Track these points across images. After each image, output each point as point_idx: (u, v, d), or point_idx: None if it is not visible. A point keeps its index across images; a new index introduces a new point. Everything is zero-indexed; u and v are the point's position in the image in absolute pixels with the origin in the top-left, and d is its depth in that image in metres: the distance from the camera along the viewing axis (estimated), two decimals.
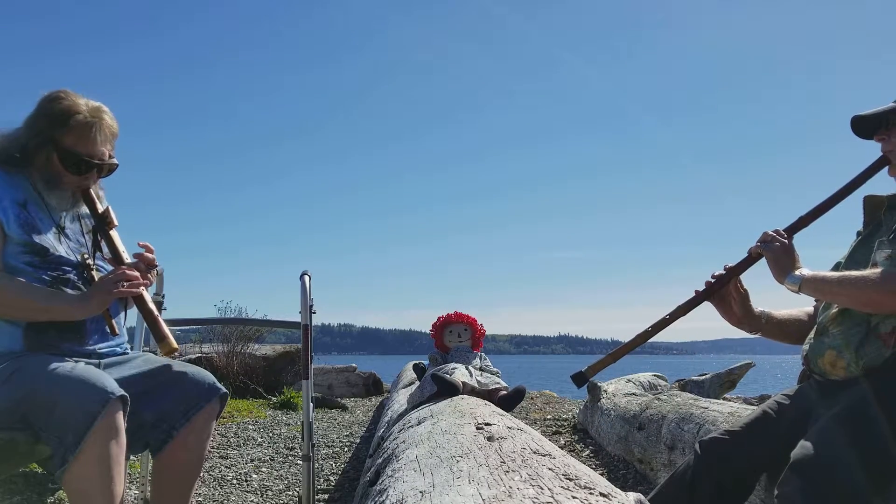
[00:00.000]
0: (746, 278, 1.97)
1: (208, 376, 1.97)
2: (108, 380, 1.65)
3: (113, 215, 1.97)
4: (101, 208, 1.97)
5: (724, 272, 1.97)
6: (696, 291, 1.98)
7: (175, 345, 1.84)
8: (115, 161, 1.97)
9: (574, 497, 0.90)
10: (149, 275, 1.95)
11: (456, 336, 2.87)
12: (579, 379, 1.95)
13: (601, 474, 2.46)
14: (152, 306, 1.89)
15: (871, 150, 1.83)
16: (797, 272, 1.79)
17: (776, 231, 1.89)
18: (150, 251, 1.99)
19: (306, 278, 2.64)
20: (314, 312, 2.65)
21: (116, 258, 1.95)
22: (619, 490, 1.00)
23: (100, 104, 1.92)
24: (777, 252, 1.84)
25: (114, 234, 1.97)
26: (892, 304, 1.59)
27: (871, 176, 1.84)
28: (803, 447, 1.52)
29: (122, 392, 1.63)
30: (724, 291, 1.98)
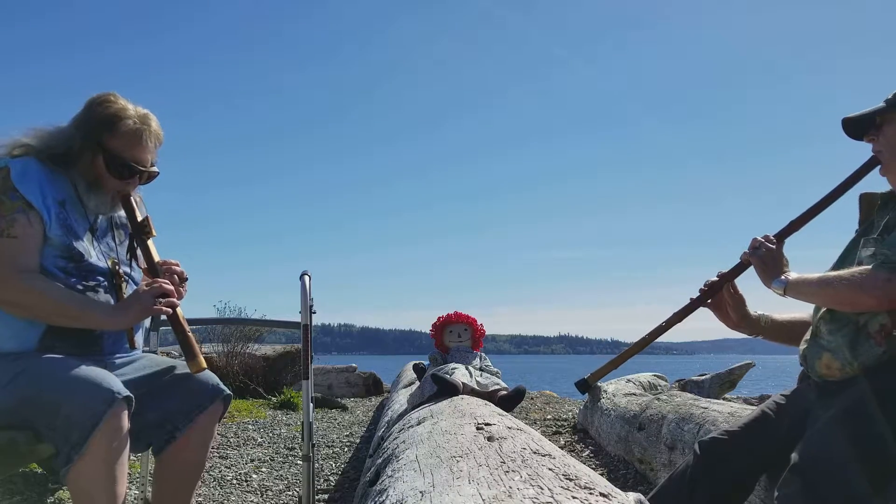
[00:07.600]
0: (752, 282, 1.97)
1: (212, 377, 1.95)
2: (115, 380, 1.65)
3: (152, 224, 1.95)
4: (139, 216, 1.95)
5: (716, 279, 1.99)
6: (691, 299, 2.00)
7: (204, 364, 1.82)
8: (156, 169, 1.96)
9: (574, 497, 0.90)
10: (181, 288, 1.93)
11: (456, 336, 2.87)
12: (583, 386, 2.03)
13: (601, 474, 2.46)
14: (185, 323, 1.86)
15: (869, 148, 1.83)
16: (783, 276, 1.79)
17: (765, 237, 1.90)
18: (177, 265, 1.97)
19: (306, 278, 2.63)
20: (314, 312, 2.65)
21: (152, 269, 1.92)
22: (619, 490, 1.00)
23: (147, 111, 1.92)
24: (764, 258, 1.86)
25: (150, 244, 1.94)
26: (869, 303, 1.58)
27: (862, 177, 1.84)
28: (803, 448, 1.53)
29: (128, 393, 1.63)
30: (718, 297, 2.00)
